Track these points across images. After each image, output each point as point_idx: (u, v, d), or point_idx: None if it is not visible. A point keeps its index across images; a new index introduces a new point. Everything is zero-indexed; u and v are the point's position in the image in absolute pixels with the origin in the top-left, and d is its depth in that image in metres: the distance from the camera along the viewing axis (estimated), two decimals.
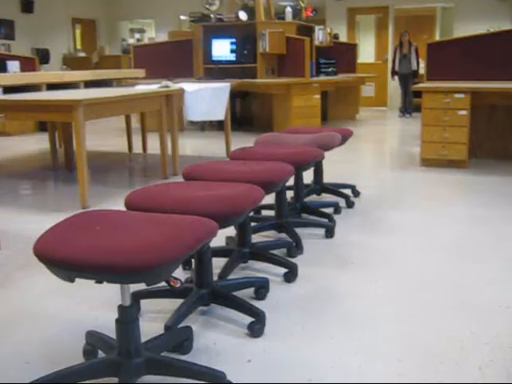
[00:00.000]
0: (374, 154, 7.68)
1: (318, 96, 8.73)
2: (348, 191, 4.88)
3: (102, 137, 8.79)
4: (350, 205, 4.55)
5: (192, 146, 8.01)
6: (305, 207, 4.12)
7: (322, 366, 2.18)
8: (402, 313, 2.65)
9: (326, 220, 4.00)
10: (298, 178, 4.03)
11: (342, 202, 4.54)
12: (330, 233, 3.80)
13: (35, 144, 8.38)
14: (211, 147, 7.57)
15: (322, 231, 3.86)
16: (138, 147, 7.38)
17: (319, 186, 4.72)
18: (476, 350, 2.29)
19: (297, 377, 2.11)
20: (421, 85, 6.23)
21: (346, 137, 4.49)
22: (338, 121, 10.01)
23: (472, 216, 4.31)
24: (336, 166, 6.16)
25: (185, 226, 1.88)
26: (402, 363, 2.19)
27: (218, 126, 9.35)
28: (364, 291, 2.91)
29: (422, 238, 3.79)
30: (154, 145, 6.94)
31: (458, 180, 5.50)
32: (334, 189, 4.75)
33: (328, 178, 5.01)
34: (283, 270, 3.08)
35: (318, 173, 4.70)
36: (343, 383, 2.08)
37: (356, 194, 4.90)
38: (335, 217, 4.13)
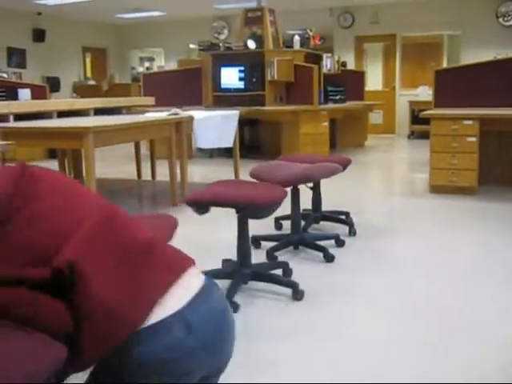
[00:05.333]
0: (382, 180, 7.68)
1: (326, 123, 8.75)
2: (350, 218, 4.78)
3: (111, 164, 8.83)
4: (352, 232, 4.48)
5: (201, 173, 8.03)
6: (302, 240, 4.07)
7: None
8: (416, 342, 2.61)
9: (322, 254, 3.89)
10: (296, 211, 3.99)
11: (345, 230, 4.48)
12: (328, 259, 3.82)
13: None
14: (220, 174, 7.58)
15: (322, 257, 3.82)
16: (147, 174, 7.39)
17: (319, 214, 4.67)
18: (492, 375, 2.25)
19: None
20: (429, 111, 6.24)
21: (345, 165, 4.40)
22: (346, 148, 10.02)
23: (482, 244, 4.27)
24: (345, 193, 6.15)
25: None
26: None
27: (226, 153, 9.38)
28: (375, 322, 2.88)
29: (432, 266, 3.76)
30: (163, 172, 6.95)
31: (467, 207, 5.47)
32: (335, 216, 4.72)
33: (336, 205, 5.00)
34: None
35: (317, 201, 4.65)
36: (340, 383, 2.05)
37: (350, 221, 4.64)
38: (337, 249, 4.02)
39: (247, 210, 3.01)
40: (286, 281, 3.25)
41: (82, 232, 1.18)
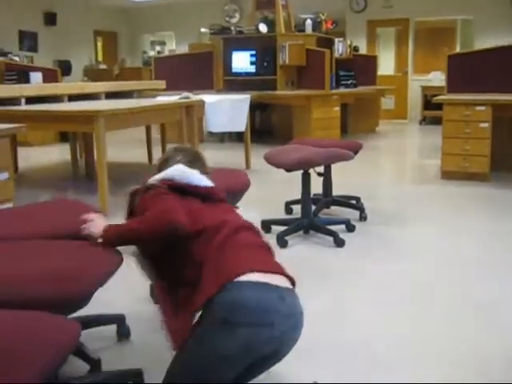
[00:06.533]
0: (394, 166, 7.65)
1: (337, 108, 8.71)
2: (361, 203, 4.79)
3: (122, 147, 8.84)
4: (363, 217, 4.48)
5: (211, 158, 7.99)
6: (313, 225, 4.07)
7: None
8: (422, 331, 2.61)
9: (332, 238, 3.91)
10: (306, 195, 3.98)
11: (355, 215, 4.47)
12: (338, 243, 3.82)
13: (56, 154, 8.46)
14: (231, 159, 7.58)
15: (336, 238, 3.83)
16: (158, 158, 7.41)
17: (330, 199, 4.67)
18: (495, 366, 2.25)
19: None
20: (441, 97, 6.19)
21: (356, 150, 4.39)
22: (357, 133, 9.97)
23: (493, 231, 4.24)
24: (356, 178, 6.13)
25: None
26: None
27: (237, 137, 9.36)
28: (386, 311, 2.88)
29: (442, 253, 3.75)
30: None
31: (479, 193, 5.44)
32: (346, 201, 4.72)
33: (347, 190, 5.00)
34: None
35: (328, 185, 4.65)
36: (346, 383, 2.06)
37: (361, 206, 4.65)
38: (347, 234, 4.04)
39: None
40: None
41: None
